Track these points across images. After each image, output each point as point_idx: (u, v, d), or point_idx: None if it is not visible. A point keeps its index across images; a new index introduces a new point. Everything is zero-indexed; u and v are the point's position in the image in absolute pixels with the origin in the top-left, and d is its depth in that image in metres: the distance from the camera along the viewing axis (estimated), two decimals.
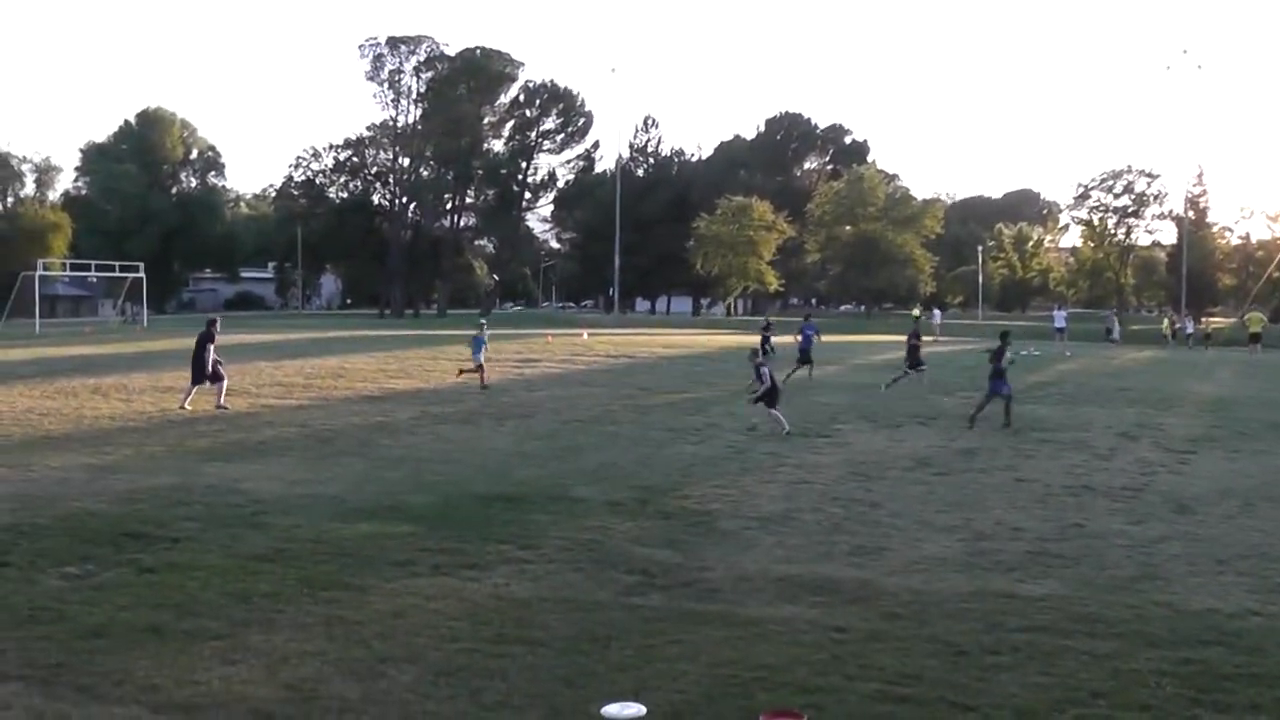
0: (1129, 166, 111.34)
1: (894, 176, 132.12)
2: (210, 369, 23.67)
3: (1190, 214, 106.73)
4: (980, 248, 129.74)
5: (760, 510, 13.54)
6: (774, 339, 36.13)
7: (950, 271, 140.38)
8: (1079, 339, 60.84)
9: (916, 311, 69.09)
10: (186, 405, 23.06)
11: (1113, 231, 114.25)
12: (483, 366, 28.88)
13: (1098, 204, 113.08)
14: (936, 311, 71.59)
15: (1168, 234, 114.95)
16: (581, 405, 25.00)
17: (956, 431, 21.68)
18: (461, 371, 29.98)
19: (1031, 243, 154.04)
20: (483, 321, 32.75)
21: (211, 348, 23.77)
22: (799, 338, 33.20)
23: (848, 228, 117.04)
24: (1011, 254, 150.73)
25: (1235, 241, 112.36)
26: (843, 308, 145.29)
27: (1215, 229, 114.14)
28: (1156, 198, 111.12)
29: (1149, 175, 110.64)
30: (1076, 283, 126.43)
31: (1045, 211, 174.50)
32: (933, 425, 22.64)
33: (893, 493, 14.93)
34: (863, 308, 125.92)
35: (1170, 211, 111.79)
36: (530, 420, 22.28)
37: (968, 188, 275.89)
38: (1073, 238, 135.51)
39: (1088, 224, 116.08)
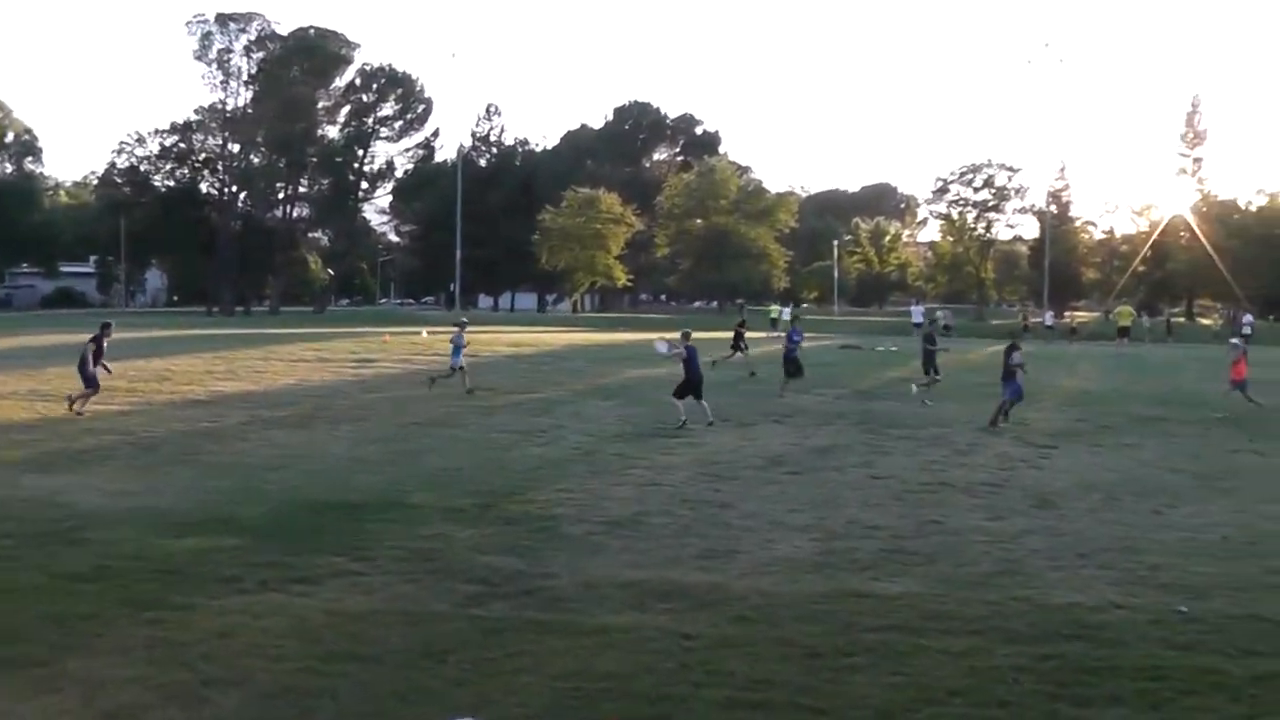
0: (989, 160, 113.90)
1: (746, 169, 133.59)
2: (92, 373, 23.53)
3: (1052, 208, 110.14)
4: (836, 242, 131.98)
5: (608, 514, 13.52)
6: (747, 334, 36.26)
7: (805, 266, 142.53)
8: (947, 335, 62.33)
9: (775, 310, 69.95)
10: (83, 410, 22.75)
11: (972, 226, 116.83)
12: (464, 369, 28.45)
13: (957, 198, 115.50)
14: (787, 308, 72.53)
15: (1029, 228, 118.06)
16: (421, 407, 24.73)
17: (811, 429, 21.97)
18: (434, 380, 28.65)
19: (889, 237, 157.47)
20: (464, 320, 32.04)
21: (92, 349, 23.61)
22: (786, 343, 31.10)
23: (699, 221, 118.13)
24: (868, 248, 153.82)
25: (1099, 236, 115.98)
26: (695, 304, 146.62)
27: (1078, 223, 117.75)
28: (1018, 191, 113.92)
29: (1010, 169, 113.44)
30: (935, 277, 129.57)
31: (903, 205, 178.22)
32: (787, 423, 22.90)
33: (745, 493, 15.06)
34: (715, 304, 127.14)
35: (1032, 206, 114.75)
36: (366, 423, 21.95)
37: (823, 181, 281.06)
38: (931, 232, 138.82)
39: (947, 218, 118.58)
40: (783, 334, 59.71)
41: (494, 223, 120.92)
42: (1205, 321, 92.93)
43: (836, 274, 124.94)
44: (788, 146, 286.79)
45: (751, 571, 10.91)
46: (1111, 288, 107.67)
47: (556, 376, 32.90)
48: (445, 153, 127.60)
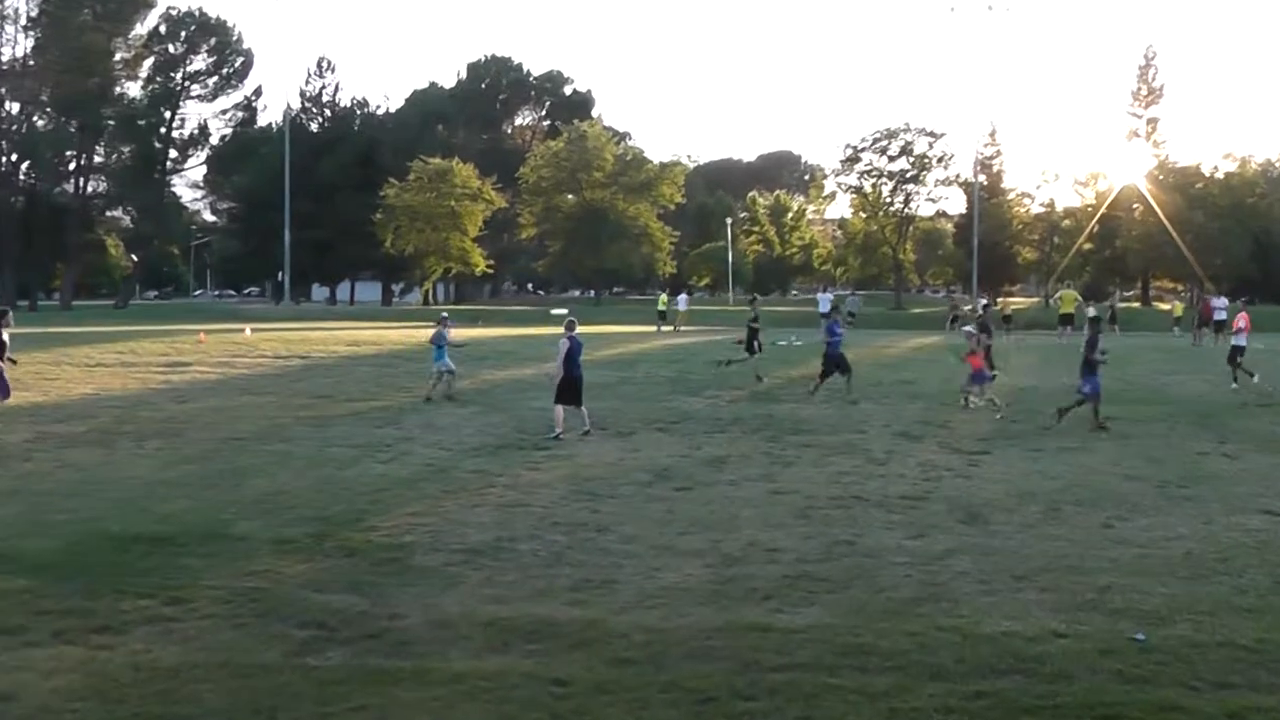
0: (906, 125, 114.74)
1: (624, 135, 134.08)
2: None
3: (982, 178, 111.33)
4: (730, 220, 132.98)
5: (465, 541, 13.47)
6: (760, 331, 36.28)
7: (695, 248, 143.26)
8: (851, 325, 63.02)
9: (663, 301, 70.09)
10: None
11: (888, 200, 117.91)
12: (449, 374, 28.52)
13: (870, 168, 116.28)
14: (682, 297, 72.67)
15: (955, 202, 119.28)
16: (244, 419, 24.45)
17: (702, 437, 22.12)
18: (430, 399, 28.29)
19: (791, 213, 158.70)
20: (445, 315, 31.33)
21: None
22: (826, 338, 30.74)
23: (570, 196, 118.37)
24: (768, 227, 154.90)
25: (1037, 210, 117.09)
26: (567, 293, 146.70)
27: (1012, 196, 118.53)
28: (940, 160, 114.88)
29: (931, 135, 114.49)
30: (846, 260, 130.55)
31: (808, 177, 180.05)
32: (674, 431, 23.03)
33: (625, 513, 15.12)
34: (591, 293, 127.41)
35: (957, 176, 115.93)
36: (179, 439, 21.62)
37: (714, 150, 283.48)
38: (841, 208, 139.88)
39: (858, 191, 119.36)
40: (668, 327, 60.02)
41: (329, 199, 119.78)
42: (1164, 306, 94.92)
43: (731, 257, 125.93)
44: (672, 110, 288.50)
45: (634, 604, 10.93)
46: (1052, 269, 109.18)
47: (404, 381, 32.66)
48: (270, 115, 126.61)
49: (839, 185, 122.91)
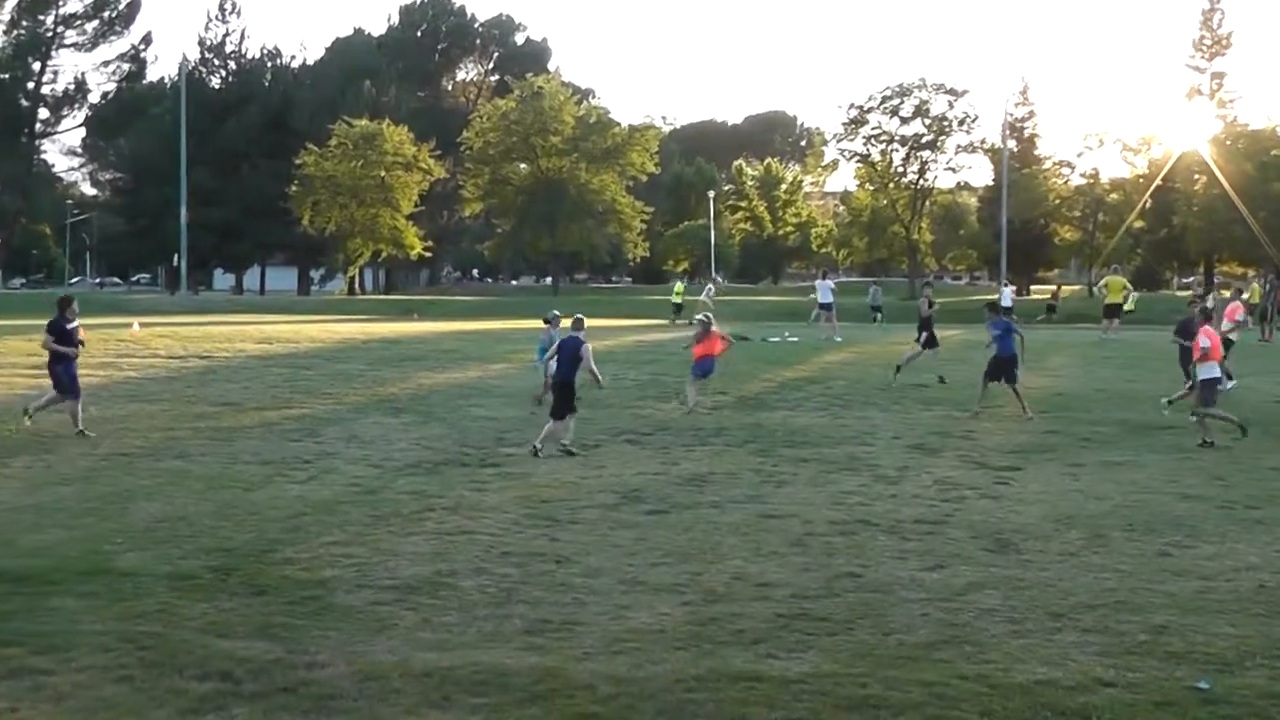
0: (922, 80, 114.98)
1: (587, 93, 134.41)
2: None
3: (1012, 144, 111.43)
4: (712, 194, 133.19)
5: (399, 575, 13.43)
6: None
7: (670, 227, 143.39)
8: (857, 319, 63.19)
9: (679, 292, 69.65)
10: None
11: (900, 169, 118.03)
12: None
13: (878, 131, 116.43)
14: (709, 287, 72.10)
15: (980, 172, 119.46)
16: (132, 431, 24.33)
17: (680, 451, 22.16)
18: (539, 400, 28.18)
19: (785, 186, 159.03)
20: (556, 314, 30.42)
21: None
22: (991, 343, 29.37)
23: (522, 166, 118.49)
24: (757, 202, 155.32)
25: (1077, 181, 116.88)
26: (519, 281, 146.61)
27: (1049, 165, 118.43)
28: (962, 123, 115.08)
29: (950, 92, 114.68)
30: (850, 241, 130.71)
31: (804, 142, 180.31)
32: (646, 444, 23.08)
33: (588, 542, 15.09)
34: (548, 280, 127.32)
35: (983, 142, 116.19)
36: (52, 456, 21.45)
37: (693, 110, 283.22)
38: (844, 178, 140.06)
39: (864, 159, 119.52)
40: (691, 320, 60.00)
41: (234, 170, 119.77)
42: (1226, 295, 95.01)
43: (714, 238, 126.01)
44: (643, 63, 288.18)
45: (598, 650, 10.90)
46: (1095, 252, 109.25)
47: (325, 385, 32.60)
48: (162, 68, 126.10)
49: (841, 152, 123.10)
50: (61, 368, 24.12)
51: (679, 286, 73.72)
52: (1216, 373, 24.07)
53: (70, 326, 24.33)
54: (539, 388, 28.71)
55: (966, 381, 30.70)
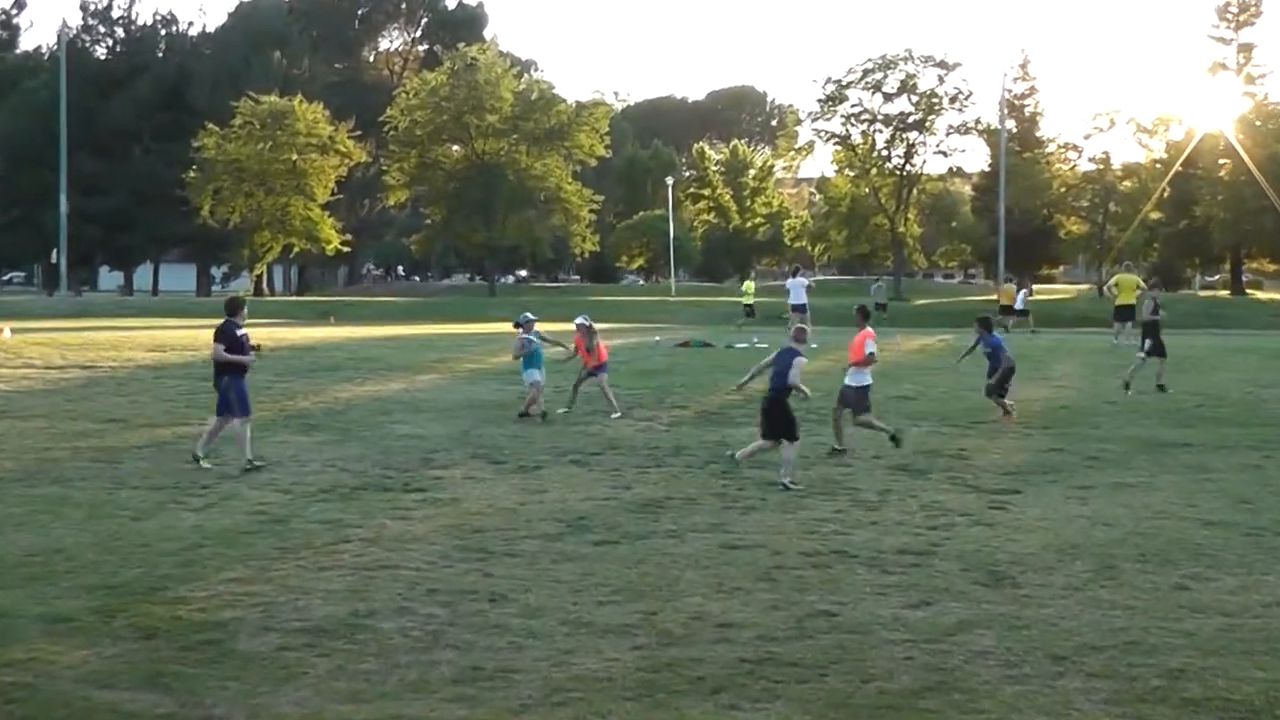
0: (908, 52, 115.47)
1: (528, 65, 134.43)
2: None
3: (1011, 125, 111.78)
4: (671, 180, 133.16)
5: (309, 616, 13.39)
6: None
7: (623, 218, 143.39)
8: (833, 321, 63.19)
9: (749, 290, 69.20)
10: None
11: (884, 153, 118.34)
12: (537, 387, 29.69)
13: (859, 110, 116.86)
14: (798, 282, 71.37)
15: (975, 157, 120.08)
16: (1, 451, 24.23)
17: (632, 473, 22.21)
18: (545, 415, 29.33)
19: (754, 171, 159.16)
20: (529, 317, 31.23)
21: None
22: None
23: (454, 148, 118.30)
24: (722, 189, 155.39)
25: (1086, 167, 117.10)
26: (449, 279, 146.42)
27: (1052, 148, 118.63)
28: (954, 100, 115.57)
29: (941, 66, 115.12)
30: (827, 234, 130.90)
31: (775, 122, 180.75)
32: (594, 465, 23.09)
33: (527, 577, 15.06)
34: (481, 279, 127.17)
35: (977, 122, 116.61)
36: None
37: (649, 85, 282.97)
38: (821, 163, 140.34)
39: (843, 141, 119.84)
40: (744, 328, 60.49)
41: (123, 153, 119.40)
42: (1259, 295, 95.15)
43: (673, 229, 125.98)
44: (592, 31, 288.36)
45: (538, 701, 10.90)
46: (1107, 246, 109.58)
47: None
48: (38, 36, 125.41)
49: (817, 133, 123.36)
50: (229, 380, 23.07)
51: (749, 286, 73.38)
52: (867, 380, 24.65)
53: (241, 333, 23.63)
54: (525, 400, 29.42)
55: (954, 392, 30.79)
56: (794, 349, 22.08)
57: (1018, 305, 71.65)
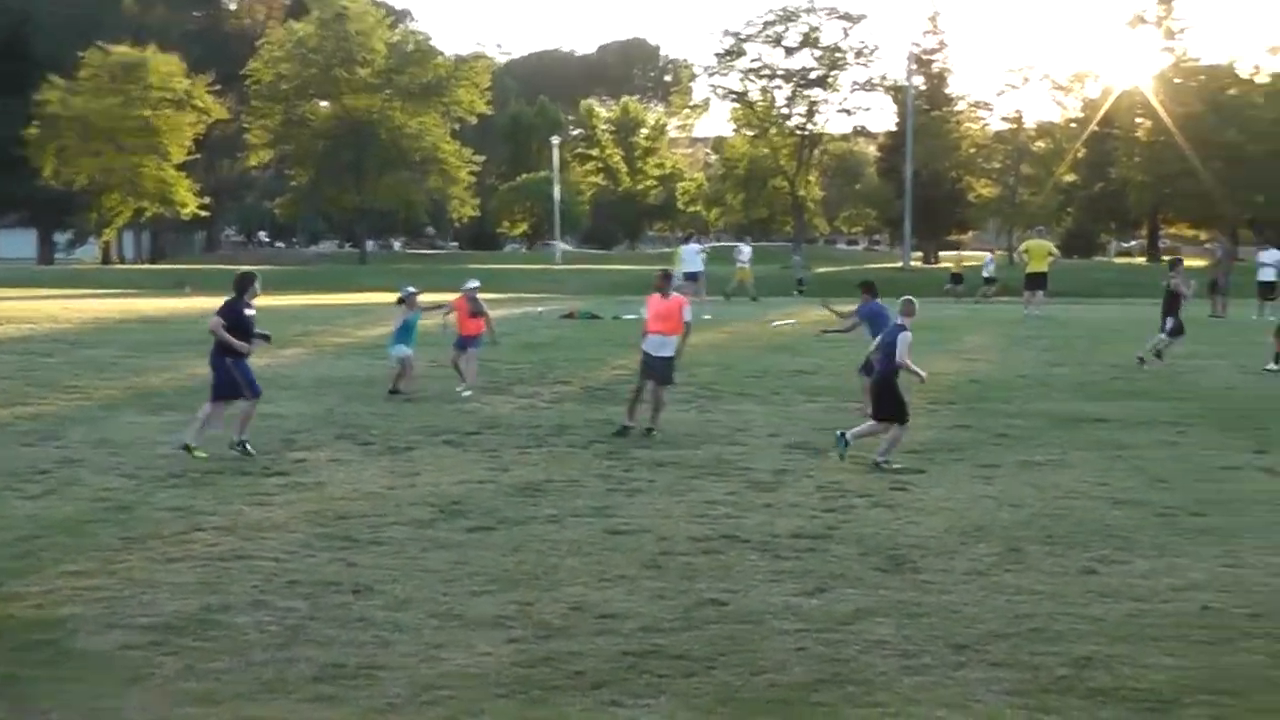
0: (811, 3, 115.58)
1: (403, 15, 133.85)
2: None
3: (919, 81, 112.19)
4: (557, 140, 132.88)
5: (157, 612, 13.28)
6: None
7: (506, 181, 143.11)
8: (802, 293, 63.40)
9: (742, 258, 68.75)
10: None
11: (784, 111, 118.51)
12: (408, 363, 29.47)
13: (759, 64, 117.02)
14: (743, 248, 70.62)
15: (881, 116, 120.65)
16: None
17: (511, 454, 22.16)
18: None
19: (646, 130, 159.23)
20: (411, 290, 30.95)
21: None
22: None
23: (323, 104, 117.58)
24: (612, 150, 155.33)
25: (998, 126, 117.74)
26: (318, 246, 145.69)
27: (963, 107, 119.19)
28: (859, 55, 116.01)
29: (845, 18, 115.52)
30: (724, 197, 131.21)
31: (669, 78, 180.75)
32: (470, 446, 23.06)
33: (395, 567, 15.02)
34: (352, 246, 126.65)
35: (883, 79, 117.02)
36: None
37: (534, 38, 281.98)
38: (718, 122, 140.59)
39: (741, 98, 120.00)
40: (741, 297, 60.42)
41: None
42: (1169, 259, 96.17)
43: (559, 193, 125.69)
44: None
45: (406, 700, 10.88)
46: (1019, 210, 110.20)
47: (69, 376, 32.22)
48: None
49: (714, 89, 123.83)
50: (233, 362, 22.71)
51: (743, 249, 72.51)
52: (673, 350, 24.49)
53: (250, 314, 23.35)
54: (391, 376, 29.45)
55: (856, 366, 30.93)
56: (902, 324, 21.70)
57: (985, 273, 71.94)
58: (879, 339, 22.34)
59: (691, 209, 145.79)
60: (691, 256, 59.83)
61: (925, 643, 12.21)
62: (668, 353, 24.24)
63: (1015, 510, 17.90)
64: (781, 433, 24.26)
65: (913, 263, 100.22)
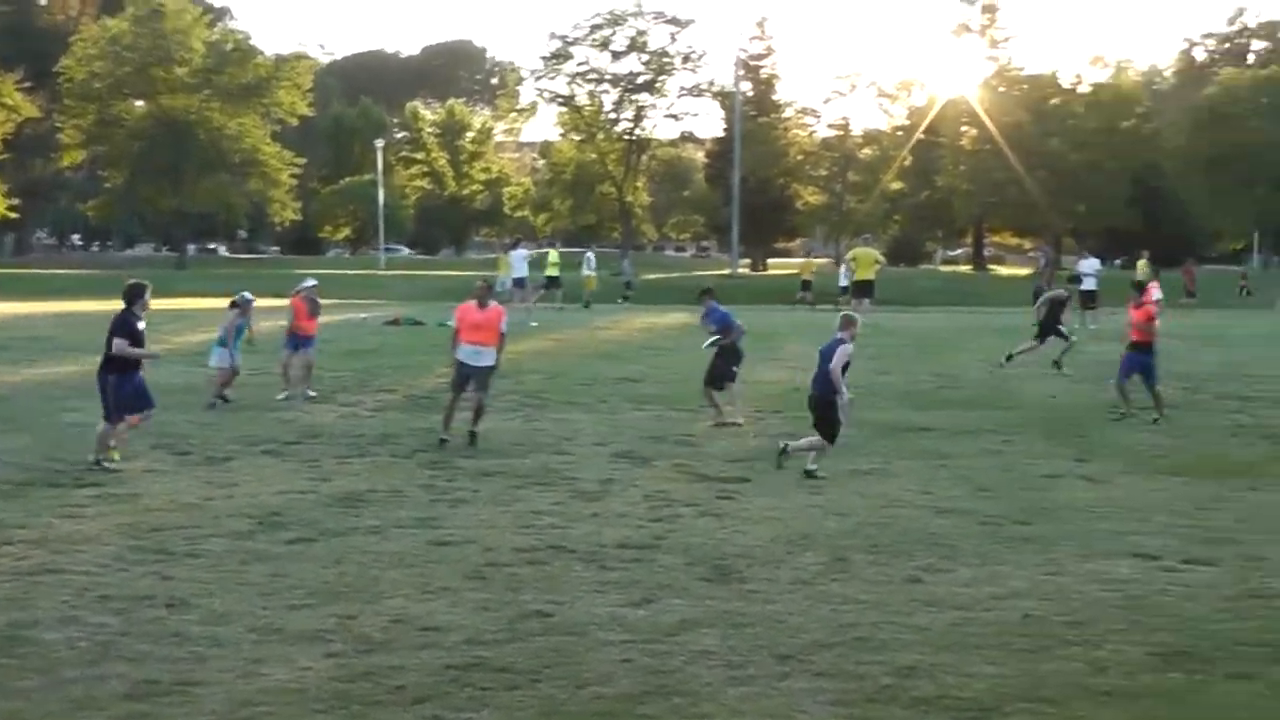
0: (639, 7, 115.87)
1: (222, 13, 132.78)
2: None
3: (746, 87, 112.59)
4: (381, 143, 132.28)
5: None
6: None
7: (329, 184, 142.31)
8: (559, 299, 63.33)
9: (555, 259, 68.12)
10: None
11: (612, 115, 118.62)
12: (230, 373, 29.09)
13: (586, 68, 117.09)
14: (589, 255, 70.33)
15: (708, 122, 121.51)
16: None
17: (331, 464, 22.08)
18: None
19: (472, 134, 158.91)
20: (247, 297, 30.46)
21: None
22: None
23: (139, 104, 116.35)
24: (437, 154, 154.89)
25: (825, 133, 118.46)
26: (133, 249, 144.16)
27: (790, 114, 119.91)
28: (687, 60, 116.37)
29: (673, 23, 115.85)
30: (551, 203, 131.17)
31: (495, 81, 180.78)
32: (289, 456, 22.94)
33: (212, 580, 14.86)
34: (169, 249, 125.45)
35: (711, 84, 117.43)
36: None
37: (358, 38, 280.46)
38: (545, 126, 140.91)
39: (568, 102, 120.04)
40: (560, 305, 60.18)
41: None
42: (1001, 271, 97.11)
43: (383, 197, 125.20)
44: None
45: (223, 715, 10.78)
46: (846, 218, 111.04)
47: None
48: None
49: (541, 93, 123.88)
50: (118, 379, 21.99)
51: (553, 255, 71.60)
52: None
53: (141, 326, 22.51)
54: (213, 384, 29.13)
55: (683, 374, 31.06)
56: (842, 338, 21.91)
57: (841, 282, 72.11)
58: (819, 350, 22.37)
59: (518, 214, 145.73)
60: (519, 263, 59.91)
61: (750, 653, 12.28)
62: (488, 362, 24.25)
63: (841, 519, 18.04)
64: (609, 441, 24.32)
65: (740, 269, 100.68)
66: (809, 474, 21.13)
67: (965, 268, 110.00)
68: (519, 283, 58.82)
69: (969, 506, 19.00)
